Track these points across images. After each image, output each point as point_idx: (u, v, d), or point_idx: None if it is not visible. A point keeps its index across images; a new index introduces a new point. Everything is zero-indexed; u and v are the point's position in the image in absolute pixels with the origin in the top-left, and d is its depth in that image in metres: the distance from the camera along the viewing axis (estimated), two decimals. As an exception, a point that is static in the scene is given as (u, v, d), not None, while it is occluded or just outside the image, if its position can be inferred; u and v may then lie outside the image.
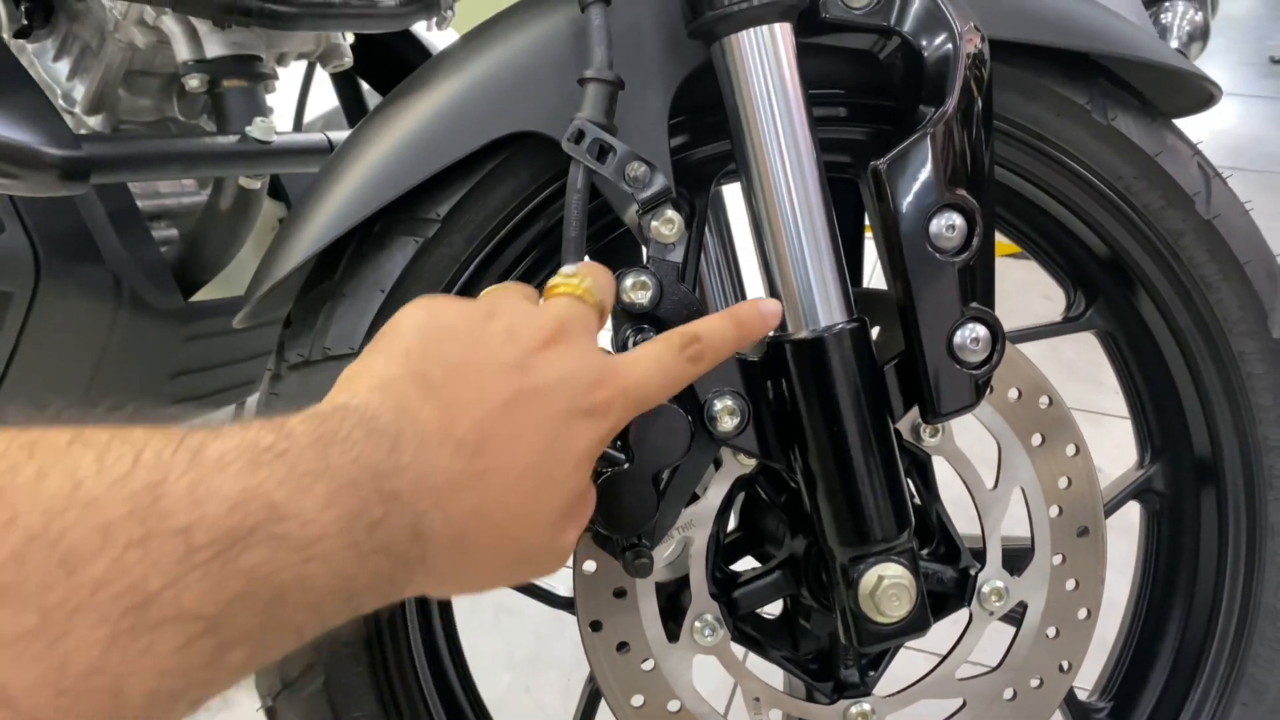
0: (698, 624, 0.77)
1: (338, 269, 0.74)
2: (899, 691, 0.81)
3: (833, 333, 0.67)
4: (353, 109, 1.33)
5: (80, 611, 0.34)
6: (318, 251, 0.72)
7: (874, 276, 0.80)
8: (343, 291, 0.74)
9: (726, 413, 0.69)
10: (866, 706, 0.79)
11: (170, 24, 0.97)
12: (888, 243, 0.68)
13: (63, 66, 1.06)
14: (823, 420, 0.68)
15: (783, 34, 0.67)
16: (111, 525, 0.36)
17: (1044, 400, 0.79)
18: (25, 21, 0.94)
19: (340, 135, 1.03)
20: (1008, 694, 0.82)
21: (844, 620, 0.71)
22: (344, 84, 1.32)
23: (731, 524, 0.88)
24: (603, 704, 0.80)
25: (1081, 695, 0.91)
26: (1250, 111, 3.74)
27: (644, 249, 0.70)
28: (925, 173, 0.67)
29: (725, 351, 0.62)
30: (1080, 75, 0.80)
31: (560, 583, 0.83)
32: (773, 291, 0.70)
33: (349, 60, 1.15)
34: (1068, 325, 0.89)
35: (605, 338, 0.76)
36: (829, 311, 0.68)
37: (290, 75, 1.30)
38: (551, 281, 0.60)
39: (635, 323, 0.68)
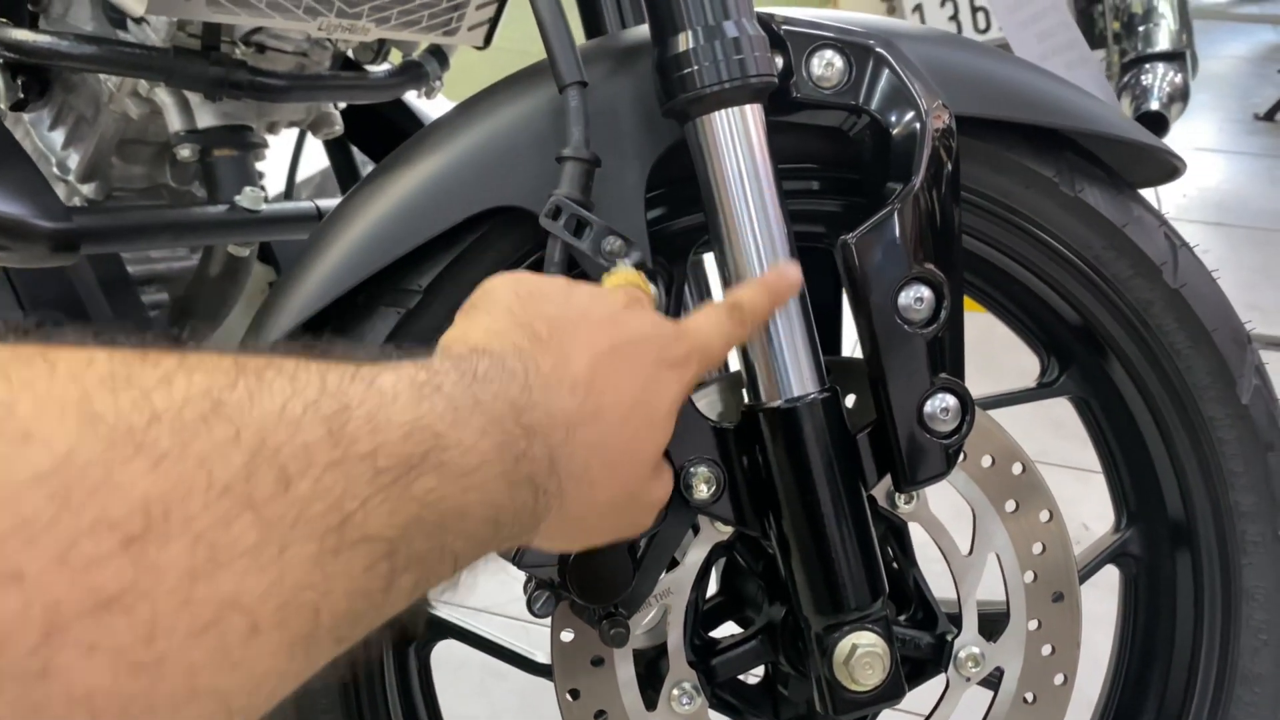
0: (675, 691, 0.77)
1: (321, 339, 0.76)
2: (878, 758, 0.81)
3: (805, 402, 0.69)
4: (344, 174, 1.36)
5: (296, 526, 0.35)
6: (301, 323, 0.73)
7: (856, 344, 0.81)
8: (325, 362, 0.75)
9: (702, 480, 0.70)
10: (845, 774, 0.79)
11: (163, 96, 1.00)
12: (858, 315, 0.70)
13: (58, 136, 1.08)
14: (796, 488, 0.69)
15: (753, 114, 0.69)
16: (312, 446, 0.37)
17: (1017, 467, 0.80)
18: (22, 95, 0.97)
19: (329, 203, 1.05)
20: (987, 760, 0.83)
21: (819, 688, 0.71)
22: (336, 150, 1.35)
23: (714, 589, 0.88)
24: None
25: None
26: (1236, 168, 3.79)
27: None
28: (893, 247, 0.68)
29: (763, 314, 0.68)
30: (1048, 149, 0.82)
31: (539, 649, 0.84)
32: (745, 360, 0.71)
33: (340, 128, 1.18)
34: (1042, 391, 0.90)
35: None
36: (801, 381, 0.69)
37: (283, 140, 1.33)
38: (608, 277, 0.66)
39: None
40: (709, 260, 0.89)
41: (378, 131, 1.30)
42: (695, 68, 0.67)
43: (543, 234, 0.70)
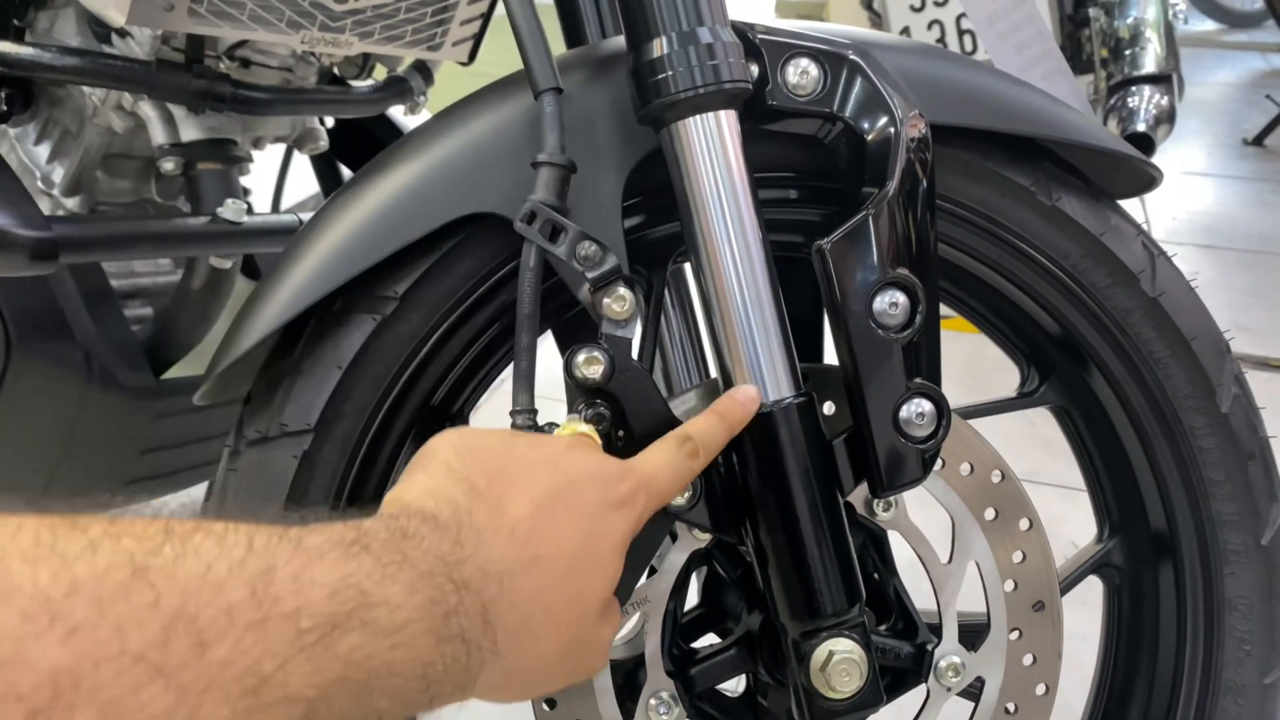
0: (653, 701, 0.76)
1: (297, 346, 0.76)
2: (858, 770, 0.80)
3: (780, 407, 0.69)
4: (330, 190, 1.36)
5: (209, 690, 0.36)
6: (277, 329, 0.73)
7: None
8: (301, 368, 0.75)
9: (678, 487, 0.70)
10: (825, 786, 0.78)
11: (147, 109, 1.00)
12: (833, 320, 0.70)
13: (43, 150, 1.09)
14: (771, 494, 0.69)
15: (728, 120, 0.69)
16: (234, 607, 0.38)
17: (996, 475, 0.80)
18: (4, 107, 0.97)
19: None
20: (969, 772, 0.82)
21: (796, 697, 0.71)
22: (322, 166, 1.35)
23: (695, 600, 0.88)
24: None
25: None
26: (1225, 192, 3.81)
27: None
28: (867, 252, 0.69)
29: (718, 444, 0.66)
30: (1025, 158, 0.82)
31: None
32: (722, 367, 0.71)
33: (324, 144, 1.18)
34: (1022, 401, 0.90)
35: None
36: (777, 387, 0.69)
37: (273, 159, 1.33)
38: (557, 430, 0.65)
39: (588, 397, 0.70)
40: (689, 270, 0.90)
41: (363, 148, 1.31)
42: (669, 73, 0.67)
43: (520, 241, 0.70)
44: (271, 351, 0.78)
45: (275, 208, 1.32)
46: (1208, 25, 6.41)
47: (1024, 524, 0.81)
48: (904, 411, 0.70)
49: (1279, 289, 2.97)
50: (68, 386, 0.99)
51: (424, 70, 1.15)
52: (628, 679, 0.79)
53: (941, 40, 2.42)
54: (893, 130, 0.70)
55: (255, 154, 1.14)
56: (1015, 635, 0.81)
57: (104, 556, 0.36)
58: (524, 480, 0.56)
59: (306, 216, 1.07)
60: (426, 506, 0.52)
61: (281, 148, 1.27)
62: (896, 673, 0.80)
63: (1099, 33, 2.73)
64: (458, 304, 0.76)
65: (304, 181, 1.47)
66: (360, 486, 0.76)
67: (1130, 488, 0.89)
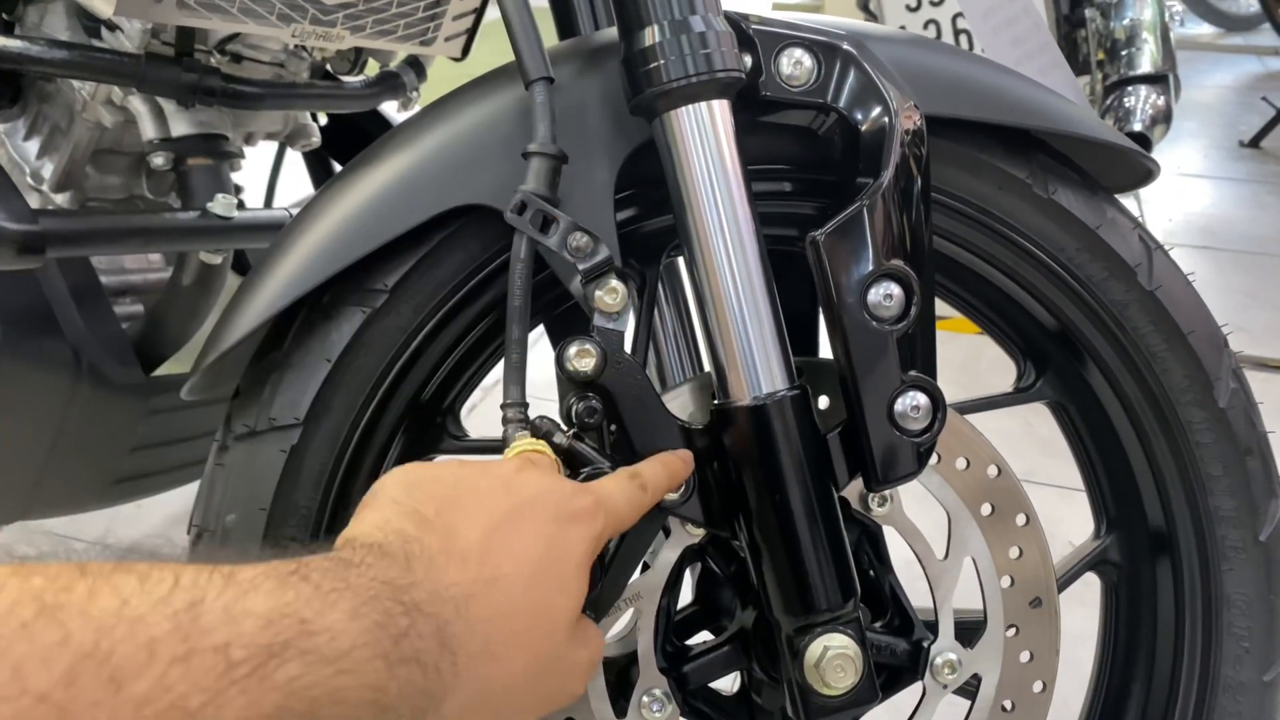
0: (645, 698, 0.76)
1: (286, 339, 0.75)
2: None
3: (774, 400, 0.68)
4: (323, 188, 1.35)
5: None
6: (265, 321, 0.72)
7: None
8: (289, 362, 0.74)
9: (671, 481, 0.69)
10: (821, 785, 0.78)
11: (137, 103, 0.99)
12: (827, 312, 0.69)
13: (32, 146, 1.08)
14: (765, 487, 0.68)
15: (720, 110, 0.68)
16: (156, 641, 0.36)
17: (992, 470, 0.79)
18: (-8, 100, 0.96)
19: (303, 211, 1.05)
20: (965, 771, 0.81)
21: (791, 693, 0.70)
22: (315, 164, 1.34)
23: (689, 598, 0.87)
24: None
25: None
26: (1222, 194, 3.81)
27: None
28: (862, 244, 0.68)
29: (663, 486, 0.66)
30: (1020, 151, 0.82)
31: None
32: (715, 359, 0.70)
33: (317, 140, 1.17)
34: (1018, 396, 0.90)
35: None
36: (770, 379, 0.69)
37: (266, 158, 1.32)
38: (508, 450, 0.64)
39: (579, 390, 0.69)
40: (682, 265, 0.89)
41: (357, 145, 1.29)
42: (661, 62, 0.66)
43: (511, 233, 0.69)
44: (260, 345, 0.77)
45: (268, 206, 1.31)
46: (1204, 29, 6.41)
47: (1021, 519, 0.80)
48: (899, 404, 0.69)
49: (1276, 290, 2.97)
50: (56, 383, 0.98)
51: (417, 66, 1.14)
52: (620, 676, 0.78)
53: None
54: (887, 120, 0.70)
55: (249, 153, 1.14)
56: (1012, 632, 0.80)
57: (8, 595, 0.35)
58: (475, 506, 0.55)
59: (298, 211, 1.06)
60: (374, 539, 0.51)
61: (274, 149, 1.26)
62: (892, 670, 0.79)
63: (1095, 34, 2.72)
64: (448, 297, 0.75)
65: (300, 183, 1.47)
66: (349, 482, 0.76)
67: (1127, 483, 0.88)
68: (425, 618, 0.48)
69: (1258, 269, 3.13)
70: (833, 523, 0.69)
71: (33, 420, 1.00)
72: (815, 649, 0.68)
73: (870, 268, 0.68)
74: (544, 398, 0.70)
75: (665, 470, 0.66)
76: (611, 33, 0.76)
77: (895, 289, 0.69)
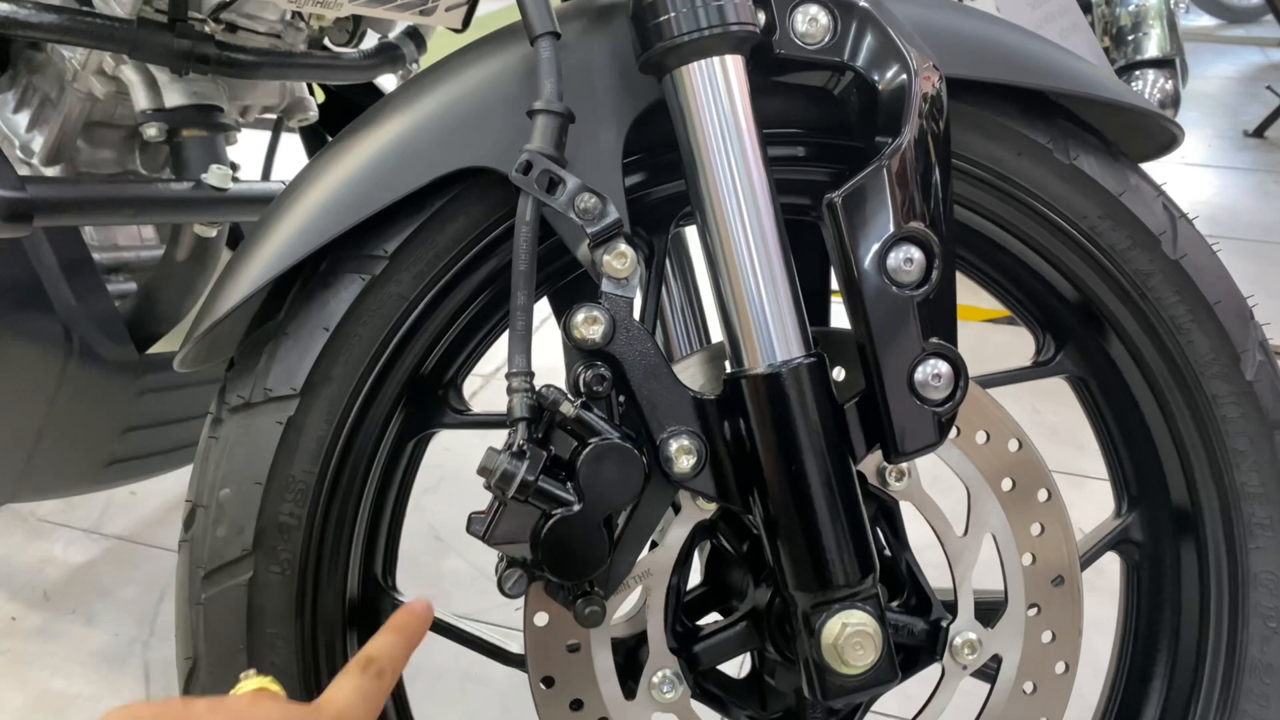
0: (656, 679, 0.73)
1: (282, 308, 0.72)
2: (870, 752, 0.77)
3: (790, 368, 0.65)
4: (321, 166, 1.32)
5: None
6: (260, 288, 0.70)
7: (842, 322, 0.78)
8: (286, 331, 0.71)
9: (683, 453, 0.67)
10: (836, 768, 0.75)
11: (129, 73, 0.96)
12: (845, 277, 0.66)
13: (22, 118, 1.05)
14: (781, 458, 0.65)
15: (734, 66, 0.66)
16: None
17: (1013, 444, 0.77)
18: (-21, 68, 0.93)
19: (300, 184, 1.02)
20: (985, 755, 0.79)
21: (807, 672, 0.67)
22: (313, 140, 1.32)
23: (698, 580, 0.84)
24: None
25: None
26: (1226, 183, 3.79)
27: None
28: (881, 205, 0.65)
29: (401, 660, 0.64)
30: (1040, 115, 0.79)
31: (512, 639, 0.79)
32: (728, 326, 0.68)
33: (314, 115, 1.15)
34: (1038, 370, 0.87)
35: (561, 377, 0.73)
36: (786, 346, 0.66)
37: (263, 140, 1.29)
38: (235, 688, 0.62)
39: (589, 359, 0.66)
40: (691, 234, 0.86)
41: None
42: (671, 14, 0.64)
43: (516, 197, 0.66)
44: (255, 314, 0.75)
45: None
46: (1206, 20, 6.40)
47: (1042, 495, 0.77)
48: (919, 373, 0.67)
49: (1281, 278, 2.95)
50: (46, 360, 0.96)
51: (416, 37, 1.11)
52: (629, 657, 0.76)
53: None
54: (906, 78, 0.67)
55: (245, 135, 1.11)
56: (1034, 611, 0.77)
57: None
58: None
59: (294, 185, 1.03)
60: None
61: (268, 138, 1.23)
62: (910, 650, 0.76)
63: (1101, 19, 2.69)
64: (451, 264, 0.73)
65: (297, 165, 1.44)
66: (347, 456, 0.73)
67: (1150, 460, 0.86)
68: None
69: (1263, 257, 3.11)
70: (851, 495, 0.66)
71: (21, 398, 0.97)
72: (833, 626, 0.65)
73: (890, 230, 0.65)
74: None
75: (401, 637, 0.65)
76: (620, -9, 0.74)
77: (916, 252, 0.66)
